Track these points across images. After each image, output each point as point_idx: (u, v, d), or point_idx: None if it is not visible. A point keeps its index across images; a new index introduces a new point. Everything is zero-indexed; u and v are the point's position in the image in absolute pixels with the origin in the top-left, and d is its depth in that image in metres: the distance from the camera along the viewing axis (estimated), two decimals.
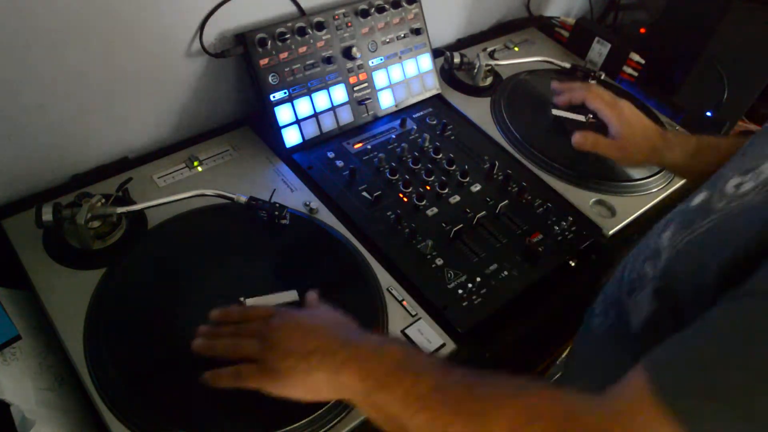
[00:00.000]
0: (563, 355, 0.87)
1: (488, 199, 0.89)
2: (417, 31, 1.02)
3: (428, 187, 0.89)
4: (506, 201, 0.87)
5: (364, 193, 0.86)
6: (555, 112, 0.97)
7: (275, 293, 0.68)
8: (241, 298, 0.68)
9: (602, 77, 1.16)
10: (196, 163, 0.86)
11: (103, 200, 0.72)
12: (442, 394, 0.46)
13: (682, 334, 0.41)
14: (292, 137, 0.91)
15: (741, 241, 0.44)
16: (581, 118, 0.92)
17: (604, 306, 0.66)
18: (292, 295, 0.68)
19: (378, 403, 0.49)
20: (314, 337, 0.54)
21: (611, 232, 0.89)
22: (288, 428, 0.60)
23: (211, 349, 0.57)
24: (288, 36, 0.88)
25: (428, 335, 0.70)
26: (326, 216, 0.82)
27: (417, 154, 0.93)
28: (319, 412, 0.61)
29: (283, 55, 0.88)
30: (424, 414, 0.46)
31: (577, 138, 0.86)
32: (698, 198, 0.56)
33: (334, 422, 0.62)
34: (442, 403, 0.46)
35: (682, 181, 1.00)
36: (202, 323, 0.61)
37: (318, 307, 0.62)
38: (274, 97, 0.88)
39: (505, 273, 0.79)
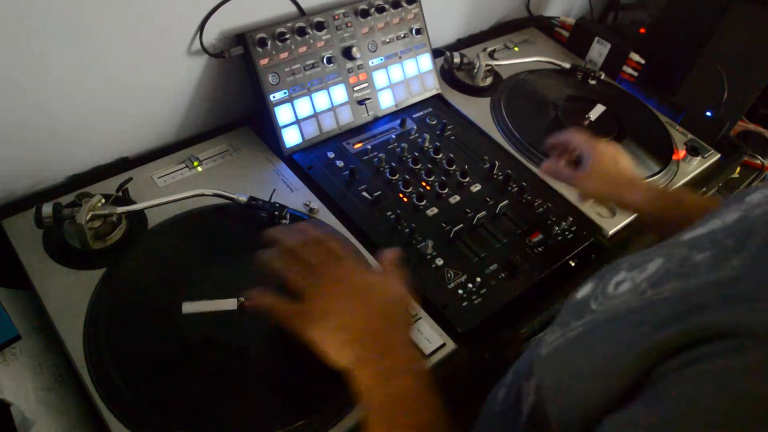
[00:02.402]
0: None
1: (488, 199, 0.89)
2: (417, 31, 1.02)
3: (428, 187, 0.89)
4: (506, 201, 0.87)
5: (364, 193, 0.86)
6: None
7: (214, 300, 0.63)
8: (241, 298, 0.68)
9: (602, 77, 1.16)
10: (196, 163, 0.86)
11: (103, 200, 0.71)
12: None
13: None
14: (292, 137, 0.91)
15: (595, 365, 0.39)
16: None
17: (511, 381, 0.58)
18: (231, 304, 0.63)
19: (368, 409, 0.52)
20: (355, 317, 0.54)
21: (611, 232, 0.89)
22: (288, 428, 0.60)
23: (271, 263, 0.57)
24: (288, 36, 0.88)
25: (428, 335, 0.70)
26: (326, 216, 0.82)
27: (417, 154, 0.93)
28: (320, 412, 0.61)
29: (283, 55, 0.88)
30: None
31: (544, 167, 0.87)
32: (584, 290, 0.49)
33: (335, 422, 0.61)
34: None
35: (682, 181, 1.00)
36: (202, 323, 0.60)
37: (388, 274, 0.60)
38: (274, 97, 0.88)
39: (505, 273, 0.79)
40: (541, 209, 0.89)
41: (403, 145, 0.94)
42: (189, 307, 0.62)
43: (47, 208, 0.69)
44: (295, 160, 0.90)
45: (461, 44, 1.25)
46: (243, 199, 0.77)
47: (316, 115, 0.93)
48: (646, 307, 0.38)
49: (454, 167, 0.92)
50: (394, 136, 0.96)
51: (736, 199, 0.46)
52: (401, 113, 1.01)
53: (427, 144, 0.95)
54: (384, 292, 0.57)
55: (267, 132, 0.92)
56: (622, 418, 0.35)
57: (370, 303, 0.56)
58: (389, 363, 0.53)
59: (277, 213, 0.77)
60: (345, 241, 0.58)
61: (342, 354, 0.53)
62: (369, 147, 0.93)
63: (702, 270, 0.37)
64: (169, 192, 0.77)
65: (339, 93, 0.95)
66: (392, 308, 0.57)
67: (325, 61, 0.92)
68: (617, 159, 0.82)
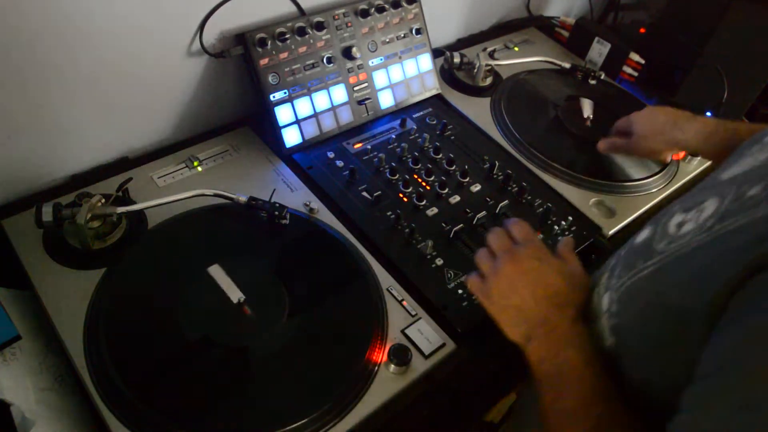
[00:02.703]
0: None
1: (488, 199, 0.89)
2: (417, 31, 1.02)
3: (428, 187, 0.89)
4: (506, 201, 0.87)
5: (364, 193, 0.86)
6: None
7: (230, 284, 0.69)
8: (242, 299, 0.68)
9: (602, 77, 1.16)
10: (196, 163, 0.86)
11: (103, 200, 0.71)
12: (575, 419, 0.52)
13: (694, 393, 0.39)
14: (292, 137, 0.91)
15: (680, 296, 0.43)
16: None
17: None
18: (235, 295, 0.68)
19: (539, 391, 0.57)
20: (530, 296, 0.60)
21: (611, 232, 0.89)
22: (288, 428, 0.60)
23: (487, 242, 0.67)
24: (288, 36, 0.88)
25: (428, 335, 0.70)
26: (326, 216, 0.82)
27: (417, 154, 0.93)
28: (319, 411, 0.61)
29: (283, 55, 0.88)
30: (555, 425, 0.54)
31: (600, 145, 0.95)
32: (642, 235, 0.54)
33: (334, 422, 0.62)
34: (571, 425, 0.52)
35: (682, 181, 1.00)
36: (202, 323, 0.60)
37: (567, 258, 0.66)
38: (274, 97, 0.88)
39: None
40: (541, 209, 0.89)
41: (403, 145, 0.94)
42: (213, 271, 0.70)
43: (47, 208, 0.69)
44: (295, 160, 0.90)
45: (461, 44, 1.25)
46: (243, 199, 0.77)
47: (316, 115, 0.93)
48: (719, 240, 0.42)
49: (454, 167, 0.92)
50: (394, 136, 0.96)
51: (755, 140, 0.52)
52: (401, 113, 1.01)
53: (427, 144, 0.95)
54: (559, 273, 0.62)
55: (267, 132, 0.92)
56: (716, 346, 0.39)
57: (545, 284, 0.61)
58: (556, 339, 0.58)
59: (277, 213, 0.77)
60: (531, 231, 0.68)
61: (515, 330, 0.61)
62: (369, 147, 0.93)
63: (762, 201, 0.41)
64: (169, 192, 0.77)
65: (339, 93, 0.95)
66: (565, 288, 0.61)
67: (325, 61, 0.92)
68: (655, 113, 0.89)
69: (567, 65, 1.16)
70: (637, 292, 0.49)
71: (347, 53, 0.94)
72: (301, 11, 0.92)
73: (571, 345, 0.57)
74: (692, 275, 0.43)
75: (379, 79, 0.99)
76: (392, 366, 0.66)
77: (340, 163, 0.90)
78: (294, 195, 0.84)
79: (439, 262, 0.79)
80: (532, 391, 0.63)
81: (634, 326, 0.50)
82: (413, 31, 1.01)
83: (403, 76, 1.02)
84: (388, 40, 0.99)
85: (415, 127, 0.99)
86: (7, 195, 0.80)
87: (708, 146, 0.83)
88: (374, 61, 0.98)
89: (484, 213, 0.85)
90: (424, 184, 0.89)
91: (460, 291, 0.76)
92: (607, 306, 0.54)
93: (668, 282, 0.45)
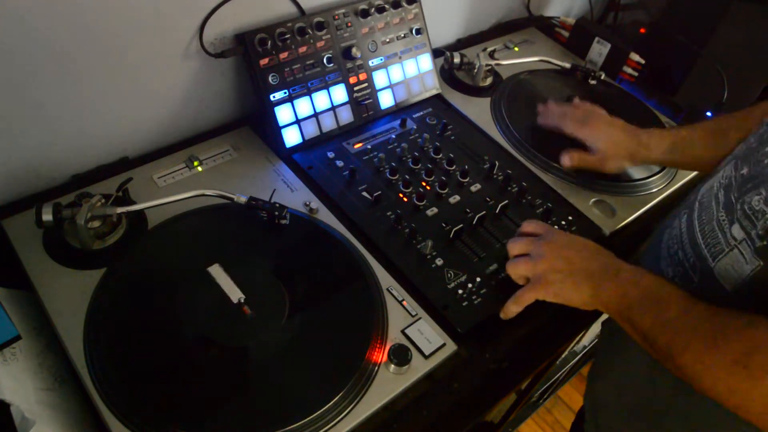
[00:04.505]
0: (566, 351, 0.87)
1: (488, 199, 0.89)
2: (417, 31, 1.02)
3: (428, 187, 0.89)
4: (506, 201, 0.87)
5: (364, 193, 0.86)
6: None
7: (230, 284, 0.70)
8: (242, 299, 0.68)
9: (602, 77, 1.16)
10: (196, 163, 0.86)
11: (103, 200, 0.72)
12: (684, 321, 0.57)
13: None
14: (292, 137, 0.91)
15: None
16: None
17: (676, 271, 0.69)
18: (235, 295, 0.69)
19: (632, 319, 0.62)
20: (580, 258, 0.68)
21: (611, 232, 0.89)
22: (288, 428, 0.60)
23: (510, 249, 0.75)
24: (288, 36, 0.88)
25: (428, 335, 0.70)
26: (326, 216, 0.82)
27: (417, 154, 0.93)
28: (319, 412, 0.61)
29: (283, 55, 0.88)
30: (668, 336, 0.58)
31: (565, 159, 0.93)
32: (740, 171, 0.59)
33: (334, 422, 0.62)
34: (683, 328, 0.57)
35: (682, 181, 1.00)
36: (202, 323, 0.61)
37: (574, 234, 0.74)
38: (274, 97, 0.88)
39: (506, 273, 0.79)
40: (541, 209, 0.89)
41: (403, 145, 0.94)
42: (214, 271, 0.71)
43: (47, 208, 0.69)
44: (295, 160, 0.90)
45: (461, 44, 1.25)
46: (243, 199, 0.77)
47: (316, 115, 0.93)
48: None
49: (454, 167, 0.92)
50: (394, 136, 0.96)
51: None
52: (401, 113, 1.01)
53: (427, 144, 0.95)
54: (585, 242, 0.71)
55: (267, 132, 0.92)
56: None
57: (582, 246, 0.70)
58: (627, 276, 0.64)
59: (276, 213, 0.77)
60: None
61: (581, 294, 0.66)
62: (369, 147, 0.93)
63: None
64: (169, 192, 0.77)
65: (339, 93, 0.95)
66: (595, 248, 0.70)
67: (325, 61, 0.92)
68: (612, 127, 0.92)
69: (567, 65, 1.16)
70: None
71: (347, 53, 0.94)
72: (301, 11, 0.92)
73: (642, 274, 0.63)
74: None
75: (379, 79, 0.99)
76: (392, 366, 0.66)
77: (340, 163, 0.90)
78: (294, 195, 0.84)
79: (439, 262, 0.79)
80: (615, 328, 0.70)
81: None
82: (413, 31, 1.01)
83: (403, 76, 1.02)
84: (388, 40, 0.99)
85: (415, 127, 0.99)
86: (7, 195, 0.80)
87: (673, 156, 0.87)
88: (374, 61, 0.98)
89: (484, 213, 0.85)
90: (424, 184, 0.89)
91: (460, 291, 0.76)
92: (743, 236, 0.57)
93: None
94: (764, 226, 0.55)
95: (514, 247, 0.75)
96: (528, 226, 0.77)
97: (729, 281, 0.59)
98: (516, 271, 0.72)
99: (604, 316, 0.83)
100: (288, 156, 0.90)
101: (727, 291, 0.59)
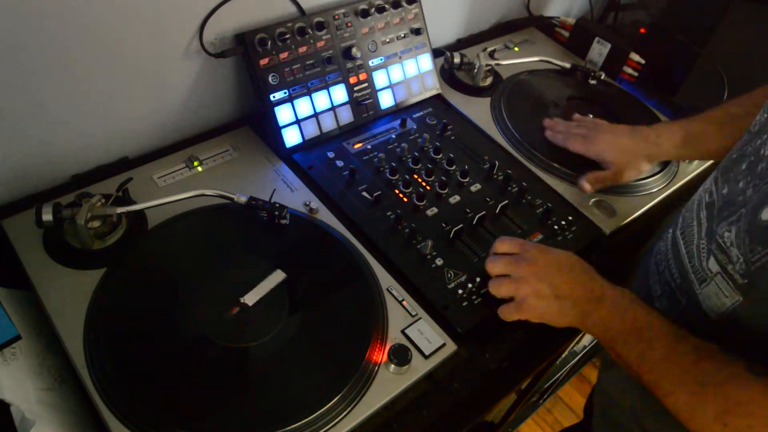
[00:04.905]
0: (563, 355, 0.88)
1: (488, 199, 0.89)
2: (417, 31, 1.02)
3: (428, 187, 0.89)
4: (506, 201, 0.87)
5: (364, 193, 0.86)
6: None
7: (264, 280, 0.70)
8: (242, 299, 0.68)
9: (602, 77, 1.16)
10: (196, 163, 0.86)
11: (103, 200, 0.72)
12: (669, 365, 0.56)
13: None
14: (292, 137, 0.91)
15: None
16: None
17: (663, 290, 0.68)
18: (279, 276, 0.70)
19: (616, 350, 0.61)
20: (562, 282, 0.66)
21: (611, 232, 0.89)
22: (288, 428, 0.60)
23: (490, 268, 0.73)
24: (288, 36, 0.88)
25: (428, 335, 0.70)
26: (326, 216, 0.82)
27: (417, 154, 0.93)
28: (319, 412, 0.61)
29: (283, 55, 0.88)
30: (653, 375, 0.57)
31: (584, 187, 0.91)
32: (724, 189, 0.58)
33: (334, 422, 0.62)
34: (668, 372, 0.56)
35: (683, 181, 1.00)
36: (202, 323, 0.61)
37: (559, 250, 0.71)
38: (274, 97, 0.88)
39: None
40: (541, 209, 0.89)
41: (403, 145, 0.94)
42: (251, 298, 0.68)
43: (47, 208, 0.69)
44: (295, 160, 0.90)
45: (461, 44, 1.25)
46: (243, 199, 0.77)
47: (316, 115, 0.93)
48: None
49: (454, 167, 0.92)
50: (394, 136, 0.96)
51: None
52: (401, 113, 1.01)
53: (427, 144, 0.95)
54: (567, 256, 0.70)
55: (267, 132, 0.92)
56: None
57: (567, 267, 0.68)
58: (611, 304, 0.63)
59: (276, 213, 0.77)
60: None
61: (567, 318, 0.65)
62: (369, 147, 0.93)
63: None
64: (169, 192, 0.77)
65: (339, 93, 0.95)
66: (578, 268, 0.68)
67: (325, 61, 0.92)
68: (617, 136, 0.91)
69: (567, 65, 1.16)
70: None
71: (347, 53, 0.94)
72: (301, 11, 0.92)
73: (630, 303, 0.61)
74: None
75: (379, 79, 0.99)
76: (392, 366, 0.66)
77: (340, 163, 0.90)
78: (294, 195, 0.84)
79: (439, 262, 0.79)
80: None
81: None
82: (413, 31, 1.01)
83: (403, 76, 1.02)
84: (388, 40, 0.99)
85: (415, 127, 0.99)
86: (7, 195, 0.80)
87: (687, 151, 0.86)
88: (374, 61, 0.98)
89: (484, 213, 0.85)
90: (424, 184, 0.89)
91: (460, 291, 0.76)
92: (718, 269, 0.56)
93: None
94: (742, 268, 0.54)
95: (494, 267, 0.73)
96: (501, 245, 0.74)
97: (712, 310, 0.59)
98: (499, 292, 0.71)
99: None
100: (288, 156, 0.90)
101: (712, 319, 0.59)
